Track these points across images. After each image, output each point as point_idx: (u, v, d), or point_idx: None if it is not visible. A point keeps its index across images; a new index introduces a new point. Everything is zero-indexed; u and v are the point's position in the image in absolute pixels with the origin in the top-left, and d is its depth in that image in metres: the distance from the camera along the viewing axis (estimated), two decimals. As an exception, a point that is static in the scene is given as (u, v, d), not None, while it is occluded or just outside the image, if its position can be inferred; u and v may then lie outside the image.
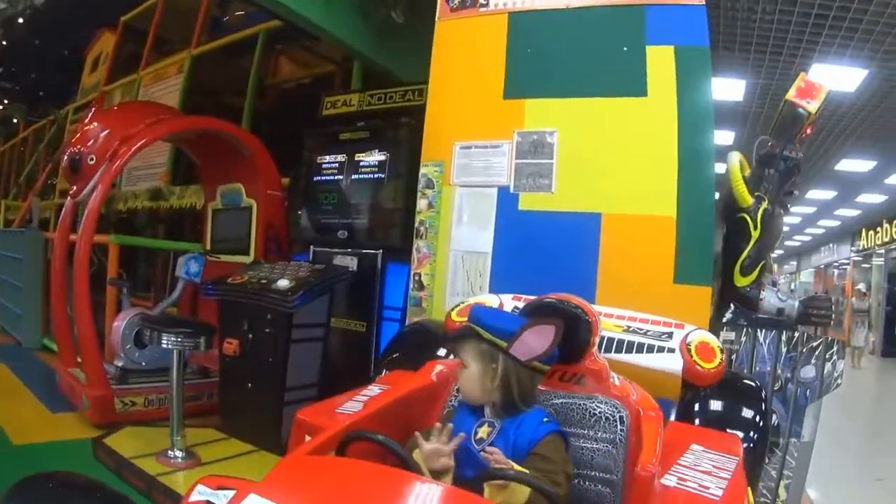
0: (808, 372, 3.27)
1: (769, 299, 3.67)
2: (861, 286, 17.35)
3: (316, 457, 1.48)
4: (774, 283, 3.95)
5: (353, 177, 4.37)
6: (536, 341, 1.65)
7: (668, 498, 1.50)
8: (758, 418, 2.34)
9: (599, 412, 1.83)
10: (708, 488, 1.59)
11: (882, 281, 17.22)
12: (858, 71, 7.36)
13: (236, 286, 3.89)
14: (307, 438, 1.75)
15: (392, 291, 4.20)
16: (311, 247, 4.52)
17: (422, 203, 3.59)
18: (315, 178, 4.55)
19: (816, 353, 3.26)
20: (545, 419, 1.67)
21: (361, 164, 4.36)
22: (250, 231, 4.93)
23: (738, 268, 3.54)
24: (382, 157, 4.28)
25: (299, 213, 4.65)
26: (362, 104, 4.67)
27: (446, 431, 1.55)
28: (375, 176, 4.28)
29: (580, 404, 1.84)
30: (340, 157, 4.45)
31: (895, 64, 7.18)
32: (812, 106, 3.52)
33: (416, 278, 3.57)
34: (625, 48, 3.35)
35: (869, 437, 6.57)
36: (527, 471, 1.48)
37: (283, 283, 3.70)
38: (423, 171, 3.60)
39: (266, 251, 4.89)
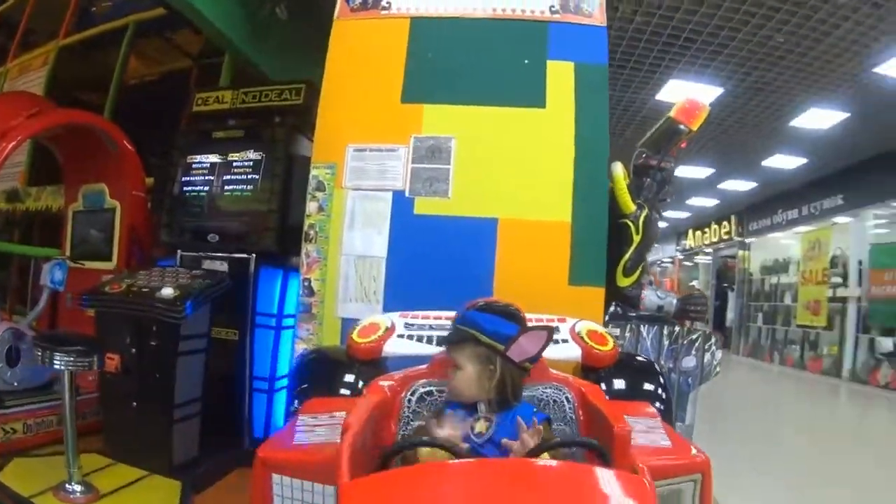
0: (689, 362, 3.53)
1: (650, 297, 3.89)
2: (694, 283, 18.79)
3: (389, 472, 1.49)
4: (651, 283, 4.18)
5: (226, 177, 4.14)
6: (530, 344, 1.79)
7: (637, 452, 1.63)
8: (659, 390, 2.53)
9: (547, 397, 2.01)
10: (657, 441, 1.83)
11: (710, 278, 18.70)
12: (714, 88, 7.96)
13: (116, 296, 3.56)
14: (275, 476, 1.80)
15: (265, 297, 4.07)
16: (179, 251, 4.21)
17: (311, 206, 3.49)
18: (184, 179, 4.27)
19: (696, 345, 3.51)
20: (535, 410, 1.83)
21: (235, 164, 4.14)
22: (113, 235, 4.61)
23: (620, 269, 3.69)
24: (257, 158, 4.10)
25: (166, 215, 4.32)
26: (235, 102, 4.43)
27: (452, 418, 1.72)
28: (249, 177, 4.09)
29: (529, 394, 1.97)
30: (212, 157, 4.21)
31: (749, 84, 7.85)
32: (694, 125, 3.74)
33: (306, 284, 3.46)
34: (526, 61, 3.48)
35: (716, 422, 7.05)
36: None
37: (168, 292, 3.44)
38: (313, 172, 3.50)
39: (129, 256, 4.59)
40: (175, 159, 4.32)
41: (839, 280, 12.27)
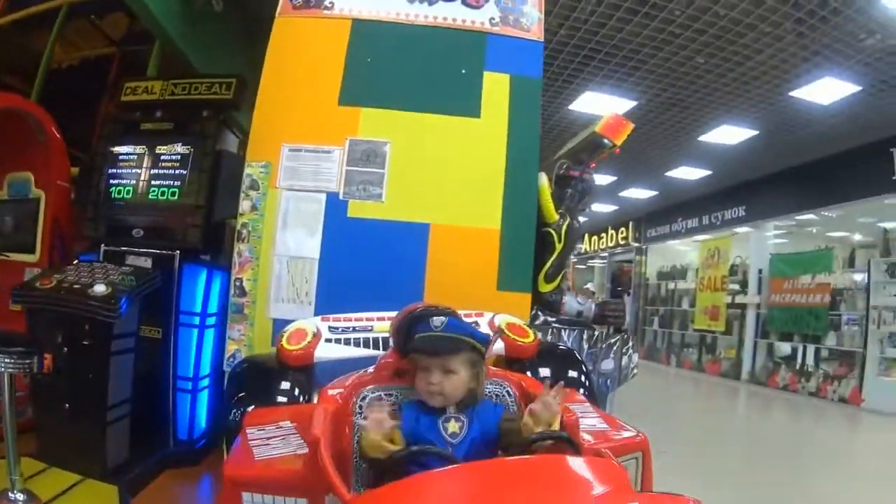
0: (608, 364, 3.72)
1: (570, 303, 4.05)
2: (589, 285, 19.40)
3: (396, 484, 1.50)
4: (570, 289, 4.35)
5: (153, 171, 4.03)
6: (495, 346, 1.99)
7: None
8: (582, 377, 2.72)
9: (489, 392, 2.09)
10: (595, 425, 2.04)
11: (605, 281, 19.43)
12: (628, 101, 8.24)
13: (48, 292, 3.45)
14: (245, 495, 1.80)
15: (189, 295, 4.00)
16: (102, 245, 4.06)
17: (245, 205, 3.47)
18: (111, 170, 4.11)
19: (614, 348, 3.70)
20: (494, 403, 2.02)
21: (163, 157, 4.04)
22: (36, 226, 4.45)
23: (542, 276, 3.83)
24: (185, 152, 4.02)
25: (91, 207, 4.16)
26: (165, 93, 4.30)
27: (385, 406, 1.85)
28: (177, 171, 4.00)
29: None
30: (139, 149, 4.10)
31: (664, 99, 8.18)
32: (618, 140, 3.91)
33: (238, 284, 3.44)
34: (463, 70, 3.58)
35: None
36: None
37: (101, 289, 3.34)
38: (247, 170, 3.48)
39: (52, 250, 4.45)
40: (100, 149, 4.20)
41: (737, 287, 12.89)
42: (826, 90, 7.57)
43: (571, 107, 8.47)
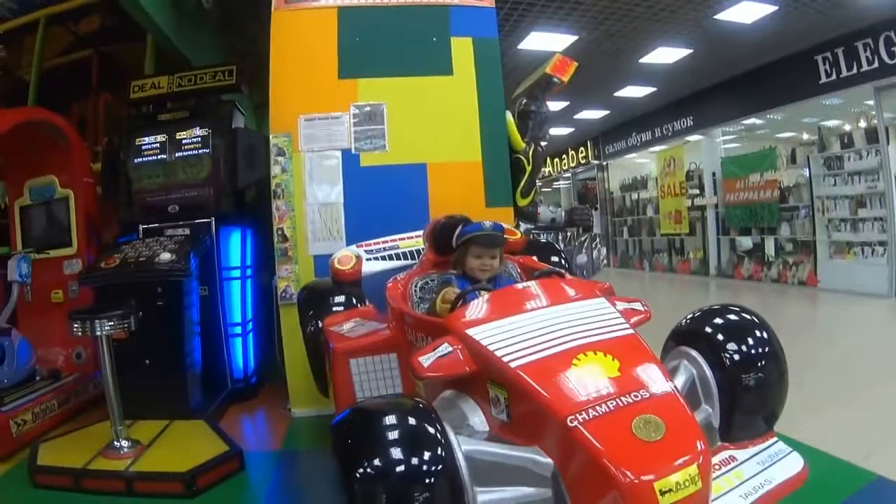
0: (582, 259, 4.81)
1: (544, 212, 5.18)
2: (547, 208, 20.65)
3: (480, 299, 2.42)
4: (542, 201, 5.45)
5: (178, 154, 4.76)
6: None
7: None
8: (561, 260, 3.86)
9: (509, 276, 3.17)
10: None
11: (572, 200, 20.61)
12: (570, 37, 9.30)
13: (116, 269, 4.09)
14: (352, 361, 2.84)
15: (229, 254, 4.84)
16: (140, 226, 4.72)
17: (275, 169, 4.40)
18: (136, 160, 4.80)
19: (584, 245, 4.83)
20: (507, 276, 3.13)
21: (184, 141, 4.78)
22: (70, 222, 5.05)
23: (518, 193, 4.89)
24: (204, 133, 4.78)
25: (124, 194, 4.83)
26: (172, 86, 5.11)
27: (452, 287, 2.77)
28: (199, 152, 4.75)
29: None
30: (161, 138, 4.79)
31: (602, 31, 9.24)
32: (566, 77, 4.99)
33: (279, 232, 4.39)
34: (434, 38, 4.59)
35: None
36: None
37: (167, 256, 4.07)
38: (273, 141, 4.40)
39: (88, 240, 5.07)
40: (119, 143, 4.93)
41: (696, 191, 14.06)
42: (746, 11, 8.57)
43: (521, 46, 9.42)
